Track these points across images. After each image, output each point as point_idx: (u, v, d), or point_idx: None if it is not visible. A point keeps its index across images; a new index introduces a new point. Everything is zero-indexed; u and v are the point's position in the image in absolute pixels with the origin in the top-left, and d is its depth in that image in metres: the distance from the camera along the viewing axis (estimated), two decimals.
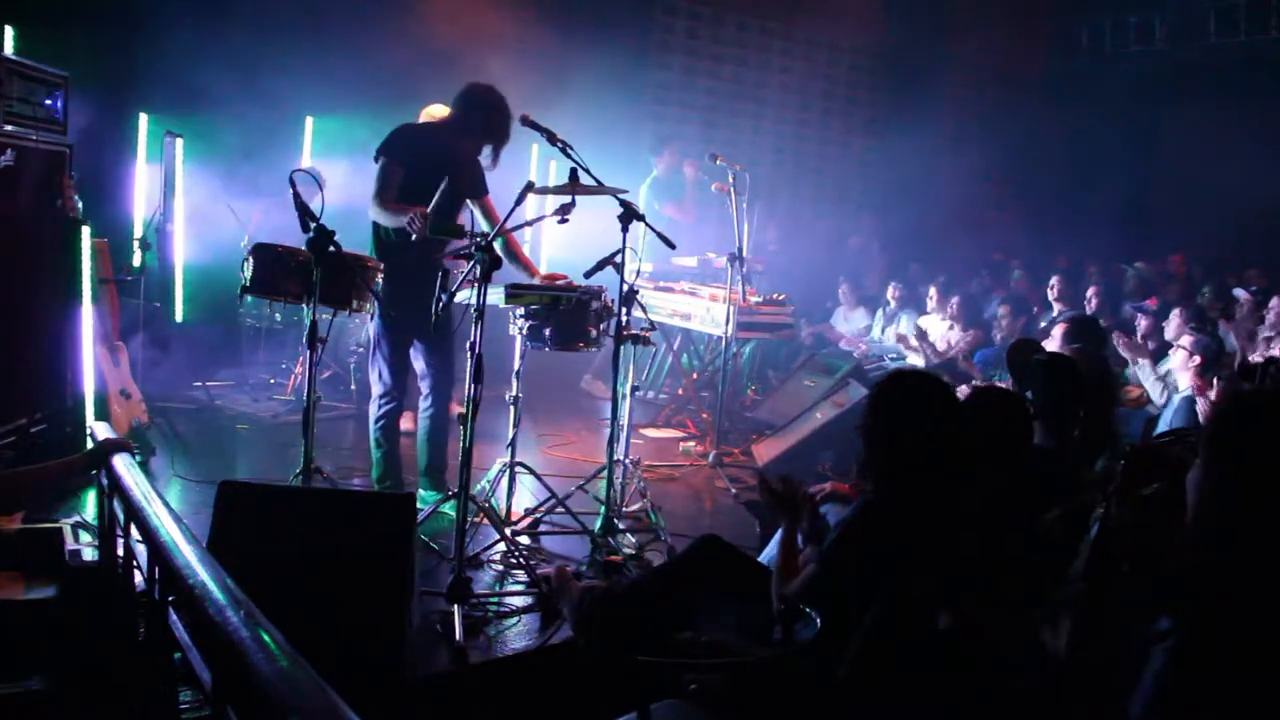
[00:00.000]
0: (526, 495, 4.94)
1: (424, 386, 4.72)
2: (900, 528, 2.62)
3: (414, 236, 4.21)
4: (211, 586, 1.84)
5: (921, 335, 7.20)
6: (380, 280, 4.31)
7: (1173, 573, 2.04)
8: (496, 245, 3.79)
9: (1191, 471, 2.12)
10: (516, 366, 4.53)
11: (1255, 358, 5.04)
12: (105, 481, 2.92)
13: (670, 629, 3.04)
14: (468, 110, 4.57)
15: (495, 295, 4.14)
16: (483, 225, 4.70)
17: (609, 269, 4.32)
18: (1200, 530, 2.08)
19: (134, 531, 2.49)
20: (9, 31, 5.01)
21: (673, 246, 4.60)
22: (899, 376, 2.93)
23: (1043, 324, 6.78)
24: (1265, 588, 1.94)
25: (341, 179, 6.15)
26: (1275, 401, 2.27)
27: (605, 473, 4.42)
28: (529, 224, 4.81)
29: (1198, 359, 4.83)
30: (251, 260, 4.09)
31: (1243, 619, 1.93)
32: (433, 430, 4.72)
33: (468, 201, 4.70)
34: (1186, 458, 2.21)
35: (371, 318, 4.65)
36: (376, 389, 4.62)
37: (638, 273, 4.82)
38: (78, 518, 3.82)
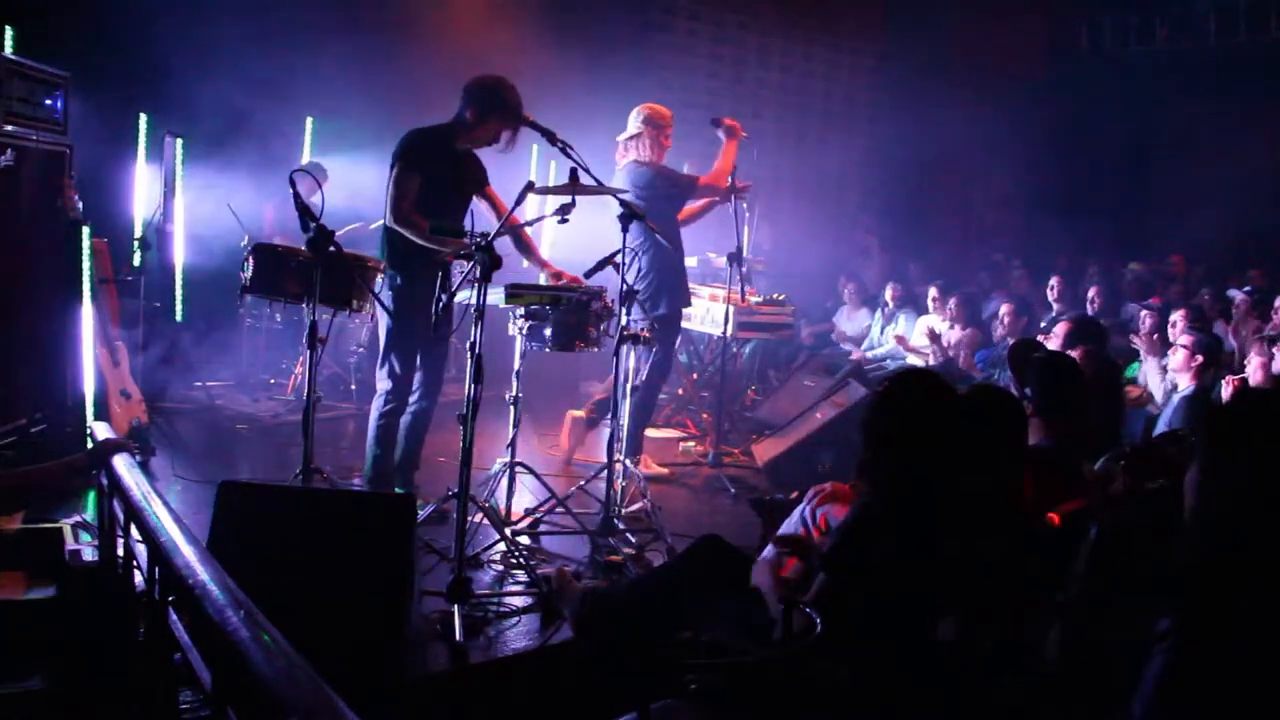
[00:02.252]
0: (526, 495, 4.94)
1: (415, 381, 4.70)
2: (899, 529, 2.62)
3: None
4: (211, 586, 1.84)
5: (934, 337, 7.18)
6: (390, 281, 4.32)
7: (1173, 573, 2.04)
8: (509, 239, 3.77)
9: (1189, 472, 2.12)
10: (516, 366, 4.53)
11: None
12: (105, 481, 2.92)
13: (670, 629, 3.04)
14: (486, 102, 4.47)
15: (495, 295, 4.14)
16: (489, 217, 4.66)
17: (609, 269, 4.32)
18: (1199, 530, 2.08)
19: (134, 531, 2.49)
20: (9, 31, 5.00)
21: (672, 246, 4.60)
22: (905, 377, 2.90)
23: (1043, 324, 6.77)
24: (1264, 587, 1.94)
25: (342, 179, 6.14)
26: (1274, 402, 2.27)
27: (605, 473, 4.42)
28: (529, 224, 4.81)
29: (1199, 358, 4.84)
30: (251, 260, 4.09)
31: (1242, 619, 1.93)
32: (414, 425, 4.69)
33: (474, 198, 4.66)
34: (1186, 458, 2.21)
35: (372, 317, 4.64)
36: (384, 385, 4.54)
37: (638, 272, 4.82)
38: (78, 518, 3.82)
